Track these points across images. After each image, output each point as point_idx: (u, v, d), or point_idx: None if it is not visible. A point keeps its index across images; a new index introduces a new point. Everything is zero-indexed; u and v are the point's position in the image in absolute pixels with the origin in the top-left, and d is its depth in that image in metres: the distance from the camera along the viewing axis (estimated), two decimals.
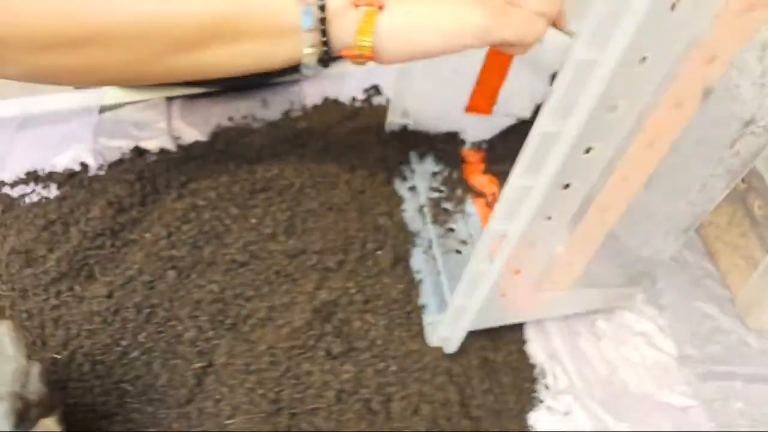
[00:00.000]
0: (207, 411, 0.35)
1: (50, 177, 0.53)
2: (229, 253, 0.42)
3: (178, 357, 0.37)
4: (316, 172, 0.46)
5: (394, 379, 0.36)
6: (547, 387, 0.42)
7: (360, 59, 0.35)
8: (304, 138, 0.53)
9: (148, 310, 0.38)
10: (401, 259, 0.44)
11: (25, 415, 0.27)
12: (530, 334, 0.45)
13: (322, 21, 0.33)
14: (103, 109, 0.61)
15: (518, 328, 0.45)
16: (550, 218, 0.31)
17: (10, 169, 0.54)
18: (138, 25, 0.31)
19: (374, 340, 0.38)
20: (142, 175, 0.47)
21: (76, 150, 0.56)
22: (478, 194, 0.52)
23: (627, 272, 0.42)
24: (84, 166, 0.54)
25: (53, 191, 0.52)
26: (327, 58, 0.35)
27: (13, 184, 0.53)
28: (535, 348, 0.44)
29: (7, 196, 0.51)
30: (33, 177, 0.53)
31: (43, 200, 0.50)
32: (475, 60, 0.49)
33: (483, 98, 0.53)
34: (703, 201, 0.35)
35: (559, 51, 0.52)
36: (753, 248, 0.45)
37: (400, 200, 0.49)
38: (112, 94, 0.62)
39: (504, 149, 0.55)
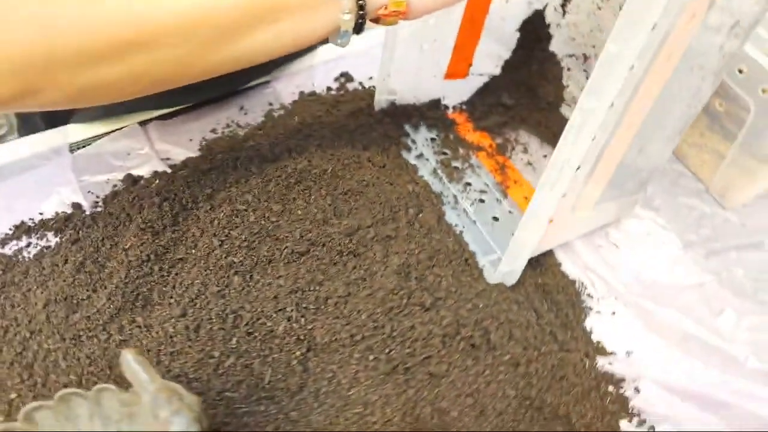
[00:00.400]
0: (323, 391, 0.37)
1: (44, 225, 0.50)
2: (285, 247, 0.42)
3: (276, 350, 0.38)
4: (340, 156, 0.48)
5: (483, 314, 0.39)
6: (590, 296, 0.48)
7: (395, 17, 0.36)
8: (305, 130, 0.54)
9: (233, 315, 0.38)
10: (440, 217, 0.47)
11: None
12: (560, 257, 0.50)
13: None
14: (72, 148, 0.58)
15: (550, 253, 0.49)
16: (594, 138, 0.36)
17: None
18: (182, 20, 0.30)
19: (448, 288, 0.41)
20: (165, 196, 0.46)
21: (60, 193, 0.53)
22: (477, 149, 0.56)
23: (634, 182, 0.48)
24: (77, 206, 0.51)
25: (51, 239, 0.49)
26: (361, 22, 0.35)
27: (3, 242, 0.49)
28: (569, 267, 0.49)
29: (2, 255, 0.48)
30: (23, 230, 0.50)
31: (49, 248, 0.47)
32: (448, 35, 0.53)
33: (460, 64, 0.57)
34: (696, 103, 0.41)
35: (515, 19, 0.59)
36: (715, 143, 0.54)
37: (414, 168, 0.52)
38: (76, 131, 0.59)
39: (482, 106, 0.60)
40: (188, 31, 0.31)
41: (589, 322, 0.46)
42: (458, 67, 0.57)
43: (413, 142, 0.56)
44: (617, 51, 0.30)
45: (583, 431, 0.38)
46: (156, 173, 0.54)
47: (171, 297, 0.41)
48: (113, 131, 0.59)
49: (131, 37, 0.30)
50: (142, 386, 0.29)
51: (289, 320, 0.38)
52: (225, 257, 0.42)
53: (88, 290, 0.42)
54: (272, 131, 0.54)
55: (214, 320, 0.38)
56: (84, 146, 0.58)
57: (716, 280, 0.48)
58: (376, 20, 0.37)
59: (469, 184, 0.52)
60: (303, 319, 0.38)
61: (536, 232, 0.39)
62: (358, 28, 0.36)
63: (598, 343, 0.45)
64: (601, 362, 0.43)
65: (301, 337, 0.38)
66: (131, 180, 0.53)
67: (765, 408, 0.40)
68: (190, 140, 0.59)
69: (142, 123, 0.60)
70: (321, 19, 0.34)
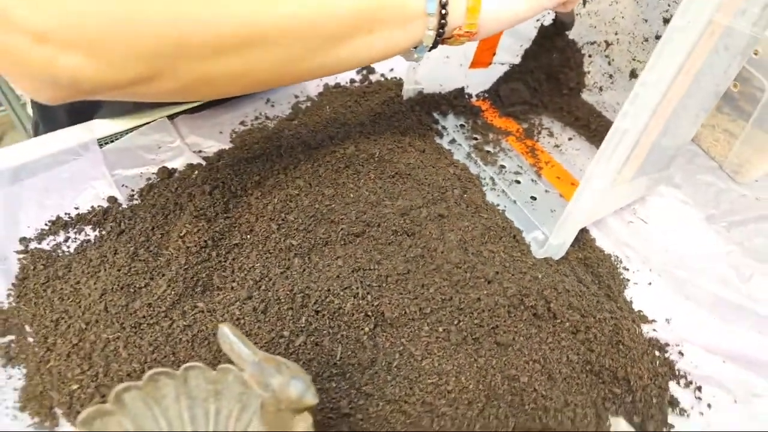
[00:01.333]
0: (395, 364, 0.37)
1: (82, 219, 0.50)
2: (341, 228, 0.43)
3: (345, 327, 0.39)
4: (383, 141, 0.49)
5: (542, 285, 0.41)
6: (626, 269, 0.50)
7: (465, 38, 0.39)
8: (340, 119, 0.55)
9: (300, 295, 0.39)
10: (483, 197, 0.49)
11: None
12: (594, 233, 0.52)
13: (443, 5, 0.36)
14: (100, 143, 0.57)
15: (585, 230, 0.52)
16: (654, 111, 0.38)
17: (25, 223, 0.49)
18: (295, 23, 0.32)
19: (503, 262, 0.43)
20: (213, 184, 0.46)
21: (95, 187, 0.53)
22: (506, 133, 0.58)
23: (663, 159, 0.50)
24: (113, 200, 0.51)
25: (90, 233, 0.49)
26: (438, 39, 0.38)
27: (40, 237, 0.49)
28: (604, 242, 0.51)
29: (40, 250, 0.47)
30: (60, 225, 0.49)
31: (89, 242, 0.47)
32: None
33: (484, 53, 0.59)
34: (723, 82, 0.44)
35: None
36: (726, 123, 0.57)
37: (450, 152, 0.54)
38: (102, 126, 0.59)
39: (505, 92, 0.62)
40: (298, 34, 0.33)
41: (629, 293, 0.48)
42: (483, 57, 0.58)
43: (444, 128, 0.57)
44: (684, 25, 0.32)
45: (640, 392, 0.40)
46: (191, 165, 0.54)
47: (233, 281, 0.41)
48: (141, 125, 0.59)
49: (250, 34, 0.31)
50: (242, 359, 0.29)
51: (355, 297, 0.39)
52: (284, 240, 0.42)
53: (145, 278, 0.42)
54: (307, 120, 0.55)
55: (282, 301, 0.39)
56: (112, 141, 0.58)
57: (740, 250, 0.51)
58: (447, 39, 0.39)
59: (503, 166, 0.54)
60: (369, 296, 0.39)
61: (588, 204, 0.41)
62: (435, 45, 0.39)
63: (640, 311, 0.47)
64: (645, 329, 0.45)
65: (369, 314, 0.39)
66: (166, 172, 0.53)
67: None
68: (220, 132, 0.59)
69: (170, 117, 0.60)
70: (409, 33, 0.37)
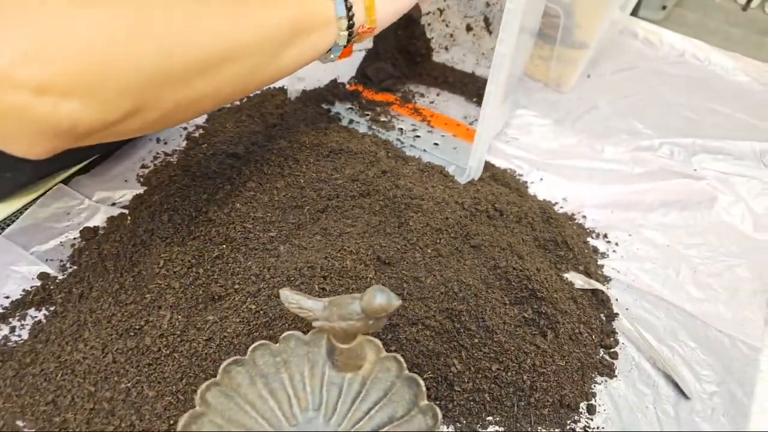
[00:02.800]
0: (406, 292, 0.43)
1: (21, 304, 0.47)
2: (306, 209, 0.48)
3: (353, 280, 0.43)
4: (304, 131, 0.54)
5: (484, 195, 0.50)
6: (521, 175, 0.62)
7: (368, 33, 0.45)
8: (248, 129, 0.58)
9: (306, 267, 0.43)
10: (404, 153, 0.57)
11: None
12: (488, 157, 0.63)
13: (348, 8, 0.42)
14: None
15: None
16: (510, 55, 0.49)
17: None
18: (258, 34, 0.36)
19: (446, 190, 0.51)
20: (170, 214, 0.47)
21: (17, 272, 0.49)
22: (388, 104, 0.67)
23: (513, 84, 0.64)
24: (46, 275, 0.49)
25: (35, 313, 0.46)
26: (349, 39, 0.44)
27: None
28: (497, 161, 0.63)
29: None
30: None
31: (43, 322, 0.45)
32: None
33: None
34: (538, 16, 0.58)
35: None
36: (538, 51, 0.73)
37: (355, 130, 0.61)
38: None
39: (372, 72, 0.70)
40: (259, 45, 0.37)
41: (530, 190, 0.60)
42: (348, 48, 0.66)
43: (338, 113, 0.64)
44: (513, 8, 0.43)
45: (576, 249, 0.51)
46: (113, 218, 0.53)
47: (234, 284, 0.43)
48: (35, 199, 0.55)
49: (226, 51, 0.34)
50: (313, 309, 0.33)
51: (350, 254, 0.44)
52: (263, 235, 0.45)
53: (143, 317, 0.42)
54: (215, 141, 0.57)
55: (292, 278, 0.42)
56: (9, 225, 0.53)
57: (586, 135, 0.67)
58: (356, 34, 0.45)
59: (401, 129, 0.63)
60: (362, 249, 0.45)
61: (491, 127, 0.52)
62: (348, 43, 0.45)
63: (544, 199, 0.59)
64: (555, 209, 0.58)
65: (367, 263, 0.44)
66: (91, 232, 0.52)
67: (658, 194, 0.59)
68: (126, 181, 0.58)
69: (65, 182, 0.57)
70: (328, 36, 0.43)
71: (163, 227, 0.46)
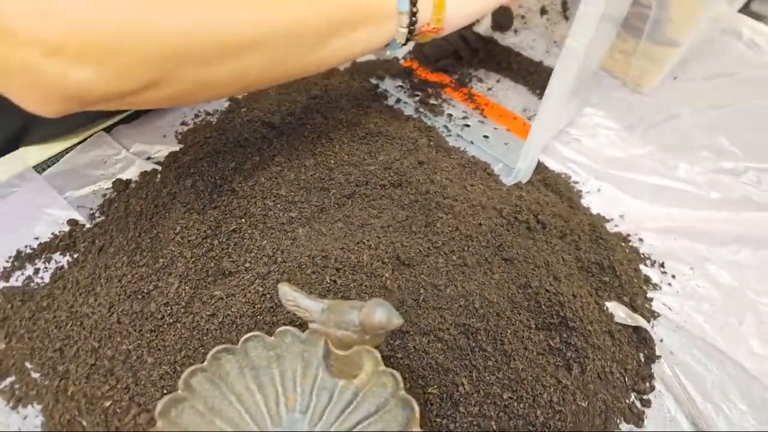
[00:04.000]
0: (422, 299, 0.40)
1: (48, 247, 0.47)
2: (332, 193, 0.45)
3: (367, 277, 0.40)
4: (343, 108, 0.51)
5: (527, 202, 0.45)
6: (576, 182, 0.56)
7: (433, 33, 0.41)
8: (289, 97, 0.56)
9: (320, 257, 0.40)
10: (446, 142, 0.53)
11: None
12: (543, 158, 0.58)
13: (413, 3, 0.38)
14: (37, 170, 0.54)
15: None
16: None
17: None
18: (289, 25, 0.33)
19: (486, 191, 0.47)
20: (194, 179, 0.46)
21: (49, 214, 0.50)
22: (442, 86, 0.62)
23: (585, 80, 0.57)
24: (74, 222, 0.49)
25: (60, 259, 0.46)
26: (409, 36, 0.40)
27: (6, 276, 0.45)
28: (551, 163, 0.57)
29: (11, 288, 0.45)
30: (24, 258, 0.47)
31: (62, 269, 0.45)
32: None
33: None
34: (626, 5, 0.51)
35: None
36: (620, 44, 0.65)
37: (401, 110, 0.57)
38: (33, 153, 0.55)
39: (430, 50, 0.66)
40: (290, 37, 0.34)
41: (584, 201, 0.54)
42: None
43: (386, 91, 0.60)
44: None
45: (624, 277, 0.46)
46: (146, 173, 0.52)
47: (245, 262, 0.41)
48: (76, 145, 0.56)
49: (248, 39, 0.32)
50: (310, 310, 0.30)
51: (369, 248, 0.41)
52: (283, 215, 0.43)
53: (152, 281, 0.41)
54: (255, 106, 0.55)
55: (304, 266, 0.40)
56: (49, 166, 0.54)
57: (659, 147, 0.60)
58: (416, 34, 0.41)
59: (450, 115, 0.58)
60: (381, 245, 0.41)
61: (550, 128, 0.46)
62: (406, 41, 0.41)
63: (598, 213, 0.53)
64: (608, 227, 0.52)
65: (385, 260, 0.41)
66: (123, 184, 0.51)
67: (733, 226, 0.52)
68: (164, 136, 0.58)
69: (106, 130, 0.57)
70: (384, 31, 0.39)
71: (185, 192, 0.44)
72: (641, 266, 0.49)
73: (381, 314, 0.27)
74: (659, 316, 0.46)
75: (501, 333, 0.39)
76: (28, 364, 0.40)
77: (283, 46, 0.34)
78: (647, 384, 0.41)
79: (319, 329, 0.30)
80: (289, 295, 0.30)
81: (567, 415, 0.38)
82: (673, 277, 0.49)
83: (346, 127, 0.49)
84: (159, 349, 0.39)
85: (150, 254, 0.43)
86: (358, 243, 0.41)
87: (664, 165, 0.58)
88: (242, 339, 0.33)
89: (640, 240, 0.52)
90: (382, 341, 0.31)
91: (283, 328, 0.33)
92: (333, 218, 0.44)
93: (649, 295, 0.48)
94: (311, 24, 0.34)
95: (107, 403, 0.37)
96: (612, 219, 0.53)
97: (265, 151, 0.47)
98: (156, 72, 0.29)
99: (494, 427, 0.37)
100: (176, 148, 0.55)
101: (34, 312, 0.42)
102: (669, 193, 0.55)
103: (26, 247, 0.47)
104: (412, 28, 0.40)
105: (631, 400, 0.41)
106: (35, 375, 0.39)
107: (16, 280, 0.45)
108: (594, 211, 0.53)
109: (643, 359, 0.43)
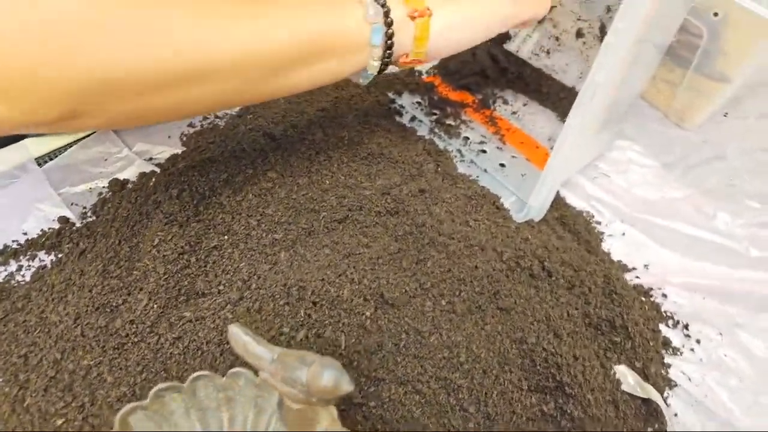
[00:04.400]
0: (402, 344, 0.36)
1: (33, 244, 0.46)
2: (323, 216, 0.42)
3: (346, 315, 0.37)
4: (349, 124, 0.48)
5: (533, 246, 0.41)
6: (599, 222, 0.51)
7: (413, 64, 0.38)
8: (298, 107, 0.53)
9: (295, 288, 0.37)
10: (455, 169, 0.49)
11: None
12: (564, 192, 0.53)
13: (389, 36, 0.35)
14: (38, 162, 0.53)
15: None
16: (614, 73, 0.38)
17: None
18: (237, 58, 0.30)
19: (490, 229, 0.42)
20: (181, 188, 0.44)
21: (41, 210, 0.49)
22: (463, 105, 0.58)
23: (620, 112, 0.52)
24: (64, 220, 0.47)
25: (44, 257, 0.45)
26: (384, 68, 0.37)
27: None
28: (573, 200, 0.53)
29: None
30: (10, 254, 0.45)
31: (45, 268, 0.43)
32: None
33: None
34: (671, 33, 0.45)
35: None
36: (666, 74, 0.59)
37: (413, 130, 0.53)
38: (36, 145, 0.54)
39: (455, 66, 0.62)
40: (241, 69, 0.30)
41: (605, 245, 0.49)
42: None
43: (402, 107, 0.57)
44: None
45: (638, 338, 0.41)
46: (144, 174, 0.51)
47: (219, 284, 0.39)
48: (80, 139, 0.55)
49: (191, 71, 0.29)
50: (259, 357, 0.27)
51: (351, 282, 0.38)
52: (266, 236, 0.40)
53: (122, 295, 0.39)
54: (262, 113, 0.53)
55: (277, 296, 0.37)
56: (51, 159, 0.53)
57: (698, 191, 0.54)
58: (395, 63, 0.38)
59: (467, 138, 0.54)
60: (365, 280, 0.38)
61: (570, 160, 0.42)
62: (381, 72, 0.38)
63: (619, 261, 0.48)
64: (628, 277, 0.47)
65: (368, 297, 0.38)
66: (119, 184, 0.50)
67: None
68: (169, 137, 0.56)
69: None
70: (354, 62, 0.36)
71: (170, 202, 0.42)
72: (661, 326, 0.44)
73: (328, 378, 0.24)
74: (676, 386, 0.41)
75: (486, 393, 0.35)
76: None
77: (230, 80, 0.30)
78: None
79: (268, 380, 0.27)
80: (240, 338, 0.28)
81: None
82: (698, 342, 0.44)
83: (347, 145, 0.46)
84: (120, 369, 0.37)
85: (126, 265, 0.41)
86: (340, 275, 0.38)
87: (701, 212, 0.52)
88: (190, 378, 0.30)
89: (664, 296, 0.46)
90: (332, 404, 0.27)
91: (236, 369, 0.30)
92: (320, 243, 0.41)
93: (667, 360, 0.42)
94: (261, 57, 0.31)
95: (60, 421, 0.36)
96: (634, 268, 0.48)
97: (260, 165, 0.45)
98: (75, 104, 0.27)
99: None
100: (179, 150, 0.53)
101: (7, 312, 0.41)
102: (703, 245, 0.49)
103: (14, 242, 0.46)
104: (386, 60, 0.37)
105: None
106: None
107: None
108: (615, 258, 0.48)
109: None
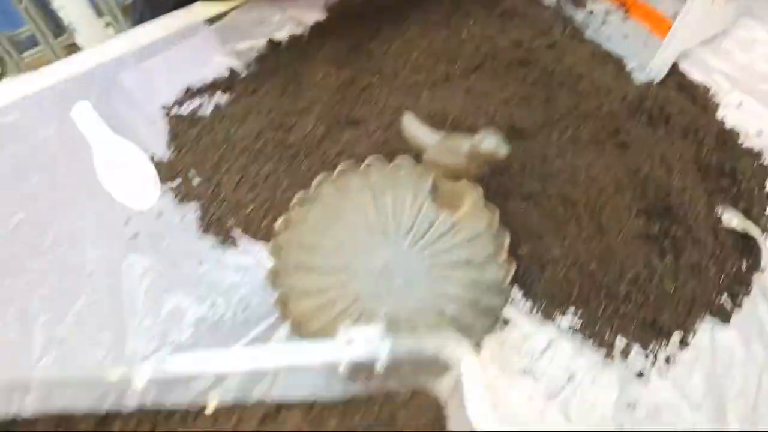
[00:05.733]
0: (528, 166, 0.42)
1: (211, 86, 0.55)
2: (459, 63, 0.47)
3: None
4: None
5: (656, 91, 0.45)
6: (716, 93, 0.53)
7: None
8: None
9: (440, 114, 0.44)
10: (582, 33, 0.52)
11: None
12: (683, 65, 0.55)
13: None
14: (208, 22, 0.61)
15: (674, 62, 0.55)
16: None
17: (160, 94, 0.55)
18: None
19: (614, 79, 0.47)
20: (335, 38, 0.51)
21: (214, 62, 0.58)
22: None
23: None
24: (233, 70, 0.56)
25: (219, 97, 0.54)
26: None
27: (180, 103, 0.54)
28: (692, 71, 0.55)
29: (181, 115, 0.53)
30: (193, 93, 0.55)
31: (222, 105, 0.52)
32: None
33: None
34: None
35: None
36: None
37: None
38: (203, 9, 0.63)
39: None
40: None
41: (720, 113, 0.52)
42: None
43: None
44: None
45: (744, 184, 0.44)
46: (295, 36, 0.58)
47: (372, 113, 0.46)
48: (241, 4, 0.63)
49: None
50: (426, 138, 0.34)
51: (485, 115, 0.44)
52: (411, 77, 0.47)
53: (294, 117, 0.47)
54: None
55: (423, 121, 0.44)
56: (217, 20, 0.62)
57: None
58: None
59: (591, 11, 0.57)
60: (498, 114, 0.44)
61: (695, 27, 0.44)
62: None
63: (731, 128, 0.51)
64: (740, 140, 0.50)
65: (500, 127, 0.43)
66: (275, 44, 0.57)
67: None
68: (319, 4, 0.62)
69: None
70: None
71: (326, 49, 0.49)
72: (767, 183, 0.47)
73: (489, 142, 0.31)
74: None
75: (600, 207, 0.40)
76: (193, 171, 0.49)
77: None
78: (744, 286, 0.41)
79: (430, 158, 0.34)
80: (411, 123, 0.35)
81: (650, 295, 0.39)
82: None
83: (482, 3, 0.51)
84: (295, 175, 0.46)
85: (294, 96, 0.49)
86: (476, 108, 0.44)
87: None
88: (365, 161, 0.38)
89: None
90: (484, 170, 0.34)
91: (402, 156, 0.38)
92: (456, 86, 0.47)
93: None
94: None
95: (249, 209, 0.45)
96: (747, 134, 0.50)
97: (401, 21, 0.51)
98: None
99: (576, 291, 0.40)
100: (324, 16, 0.60)
101: (198, 133, 0.51)
102: None
103: (196, 84, 0.56)
104: None
105: (723, 298, 0.41)
106: (195, 182, 0.48)
107: (185, 110, 0.54)
108: (728, 125, 0.51)
109: (744, 267, 0.43)
